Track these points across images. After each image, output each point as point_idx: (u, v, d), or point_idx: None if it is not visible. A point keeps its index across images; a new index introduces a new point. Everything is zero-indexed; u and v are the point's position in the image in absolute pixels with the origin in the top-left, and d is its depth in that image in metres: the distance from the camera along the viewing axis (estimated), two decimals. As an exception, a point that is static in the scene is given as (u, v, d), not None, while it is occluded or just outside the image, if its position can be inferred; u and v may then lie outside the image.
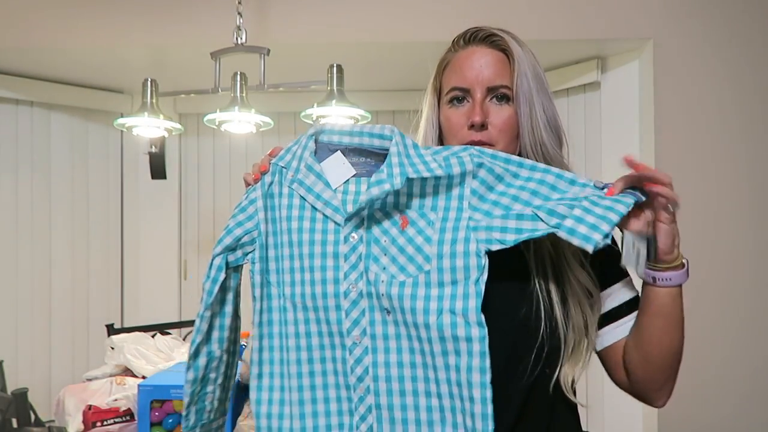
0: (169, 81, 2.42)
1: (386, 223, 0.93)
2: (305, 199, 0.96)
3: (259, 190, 1.00)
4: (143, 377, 1.95)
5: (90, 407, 1.77)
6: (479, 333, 0.85)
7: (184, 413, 1.00)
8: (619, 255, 0.91)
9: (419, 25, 2.32)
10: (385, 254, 0.92)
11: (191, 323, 2.77)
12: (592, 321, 0.98)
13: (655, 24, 2.28)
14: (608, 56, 2.48)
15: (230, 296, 1.00)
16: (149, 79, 2.13)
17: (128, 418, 1.75)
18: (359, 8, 2.34)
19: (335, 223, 0.94)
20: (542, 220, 0.85)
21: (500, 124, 0.97)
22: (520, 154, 0.97)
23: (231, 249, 0.98)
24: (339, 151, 1.00)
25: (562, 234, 0.84)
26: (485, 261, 0.88)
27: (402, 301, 0.89)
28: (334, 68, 2.02)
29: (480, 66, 0.98)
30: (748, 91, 2.26)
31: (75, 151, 2.98)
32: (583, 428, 1.05)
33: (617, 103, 2.46)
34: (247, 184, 1.02)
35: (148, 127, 2.22)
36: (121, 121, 2.21)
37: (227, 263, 0.99)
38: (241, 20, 2.06)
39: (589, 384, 2.42)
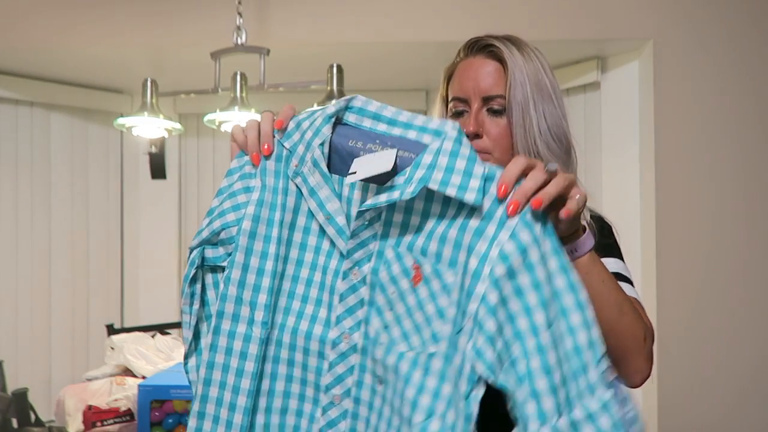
0: (169, 81, 2.42)
1: (396, 268, 0.74)
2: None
3: (259, 179, 0.79)
4: (143, 377, 1.95)
5: (90, 407, 1.77)
6: None
7: None
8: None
9: (419, 25, 2.32)
10: (390, 309, 0.74)
11: (191, 323, 2.77)
12: None
13: (655, 24, 2.28)
14: (608, 56, 2.48)
15: None
16: (149, 79, 2.13)
17: (128, 418, 1.75)
18: (359, 8, 2.34)
19: (340, 251, 0.77)
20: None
21: (495, 133, 0.97)
22: None
23: (209, 242, 0.80)
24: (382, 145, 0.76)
25: None
26: (478, 377, 0.67)
27: (395, 379, 0.71)
28: (334, 68, 2.02)
29: (476, 76, 0.98)
30: (748, 91, 2.26)
31: (75, 151, 2.98)
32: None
33: (617, 103, 2.46)
34: (237, 147, 0.83)
35: (148, 127, 2.22)
36: (121, 121, 2.21)
37: (203, 259, 0.80)
38: (241, 20, 2.06)
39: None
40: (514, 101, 0.95)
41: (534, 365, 0.65)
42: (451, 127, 0.74)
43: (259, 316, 0.77)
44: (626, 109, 2.42)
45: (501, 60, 0.98)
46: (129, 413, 1.76)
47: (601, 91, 2.52)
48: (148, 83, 2.12)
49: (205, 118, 2.12)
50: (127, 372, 2.05)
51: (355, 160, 0.74)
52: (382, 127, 0.77)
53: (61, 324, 2.91)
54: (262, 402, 0.78)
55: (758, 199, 2.25)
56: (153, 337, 2.29)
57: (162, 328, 2.53)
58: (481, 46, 1.00)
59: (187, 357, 0.85)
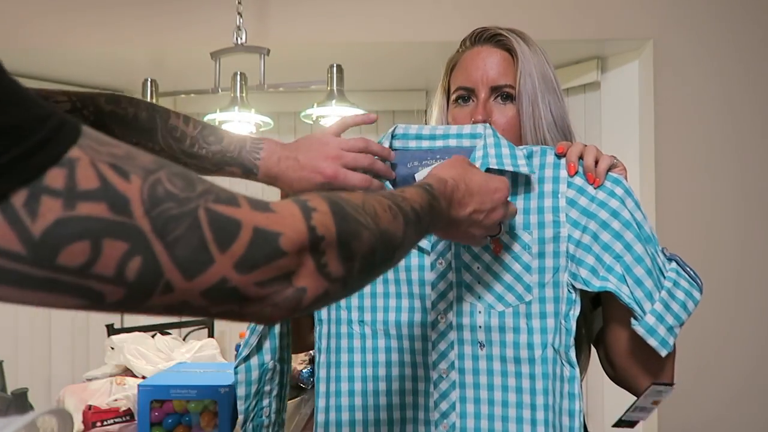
0: (169, 81, 2.42)
1: (476, 248, 0.87)
2: None
3: None
4: (143, 377, 1.95)
5: (90, 407, 1.76)
6: (570, 373, 0.82)
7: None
8: None
9: (419, 25, 2.32)
10: (479, 282, 0.87)
11: (191, 323, 2.77)
12: (589, 322, 0.97)
13: (655, 24, 2.28)
14: (608, 56, 2.48)
15: None
16: (149, 79, 2.13)
17: (128, 418, 1.75)
18: (359, 8, 2.34)
19: (418, 247, 0.88)
20: (628, 286, 0.82)
21: (503, 123, 0.96)
22: None
23: None
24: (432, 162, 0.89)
25: (639, 330, 0.81)
26: (576, 296, 0.83)
27: (503, 334, 0.85)
28: (334, 68, 2.02)
29: (484, 65, 0.97)
30: (748, 90, 2.26)
31: (75, 151, 2.98)
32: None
33: (617, 103, 2.46)
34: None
35: (148, 127, 2.21)
36: (121, 121, 2.21)
37: None
38: (241, 20, 2.06)
39: (589, 385, 2.42)
40: (524, 91, 0.95)
41: (628, 260, 0.82)
42: (483, 127, 0.89)
43: (368, 317, 0.90)
44: (626, 109, 2.42)
45: (509, 50, 0.97)
46: (129, 413, 1.76)
47: (601, 91, 2.52)
48: (148, 83, 2.12)
49: (205, 118, 2.12)
50: (127, 372, 2.05)
51: (416, 175, 0.88)
52: (425, 144, 0.90)
53: (61, 324, 2.91)
54: (382, 386, 0.89)
55: (757, 198, 2.25)
56: (153, 337, 2.29)
57: (162, 328, 2.54)
58: (488, 36, 1.00)
59: (249, 357, 0.93)
